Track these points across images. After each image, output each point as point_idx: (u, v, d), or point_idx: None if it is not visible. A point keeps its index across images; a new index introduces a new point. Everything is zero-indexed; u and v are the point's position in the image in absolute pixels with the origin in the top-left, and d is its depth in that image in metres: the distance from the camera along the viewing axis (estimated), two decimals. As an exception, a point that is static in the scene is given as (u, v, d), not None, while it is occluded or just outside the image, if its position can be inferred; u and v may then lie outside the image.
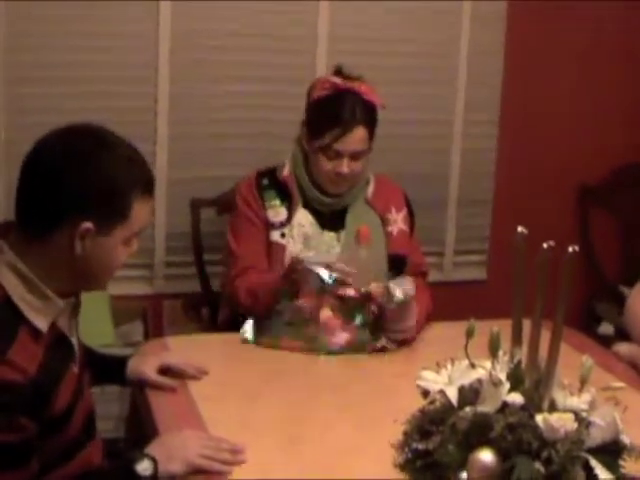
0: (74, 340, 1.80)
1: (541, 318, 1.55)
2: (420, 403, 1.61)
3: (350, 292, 2.36)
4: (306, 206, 2.64)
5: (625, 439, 1.53)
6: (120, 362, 2.15)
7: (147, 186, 1.73)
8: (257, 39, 3.36)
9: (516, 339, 1.59)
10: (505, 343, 1.58)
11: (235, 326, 2.52)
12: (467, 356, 1.58)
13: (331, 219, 2.65)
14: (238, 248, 2.61)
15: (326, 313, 2.36)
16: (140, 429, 2.11)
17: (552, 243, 1.50)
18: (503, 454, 1.48)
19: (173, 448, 1.80)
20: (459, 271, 3.80)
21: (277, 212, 2.62)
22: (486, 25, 3.62)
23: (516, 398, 1.51)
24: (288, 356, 2.34)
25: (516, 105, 3.71)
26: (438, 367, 1.62)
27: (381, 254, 2.63)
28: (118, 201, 1.68)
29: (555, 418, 1.47)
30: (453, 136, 3.68)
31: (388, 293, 2.33)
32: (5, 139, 3.15)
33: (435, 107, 3.64)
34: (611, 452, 1.52)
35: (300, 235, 2.60)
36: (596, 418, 1.51)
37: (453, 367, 1.60)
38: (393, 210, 2.71)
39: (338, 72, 2.62)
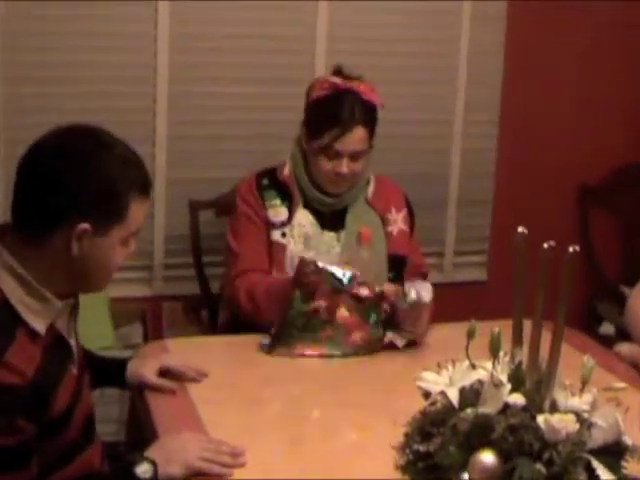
0: (72, 341, 1.79)
1: (542, 318, 1.54)
2: (421, 404, 1.60)
3: (364, 291, 2.34)
4: (306, 206, 2.63)
5: (627, 440, 1.52)
6: (119, 365, 2.14)
7: (144, 187, 1.73)
8: (256, 40, 3.35)
9: (517, 340, 1.58)
10: (506, 344, 1.58)
11: (235, 329, 2.51)
12: (468, 357, 1.57)
13: (331, 219, 2.64)
14: (239, 247, 2.60)
15: (343, 313, 2.34)
16: (140, 432, 2.10)
17: (552, 243, 1.50)
18: (504, 455, 1.47)
19: (173, 451, 1.79)
20: (459, 272, 3.80)
21: (278, 212, 2.61)
22: (486, 25, 3.61)
23: (517, 399, 1.51)
24: (288, 358, 2.33)
25: (516, 105, 3.70)
26: (439, 368, 1.62)
27: (382, 255, 2.63)
28: (116, 201, 1.68)
29: (556, 419, 1.47)
30: (453, 136, 3.67)
31: (402, 293, 2.33)
32: (4, 139, 3.14)
33: (435, 107, 3.64)
34: (613, 453, 1.51)
35: (300, 235, 2.59)
36: (598, 419, 1.51)
37: (454, 368, 1.60)
38: (393, 210, 2.71)
39: (337, 72, 2.61)
